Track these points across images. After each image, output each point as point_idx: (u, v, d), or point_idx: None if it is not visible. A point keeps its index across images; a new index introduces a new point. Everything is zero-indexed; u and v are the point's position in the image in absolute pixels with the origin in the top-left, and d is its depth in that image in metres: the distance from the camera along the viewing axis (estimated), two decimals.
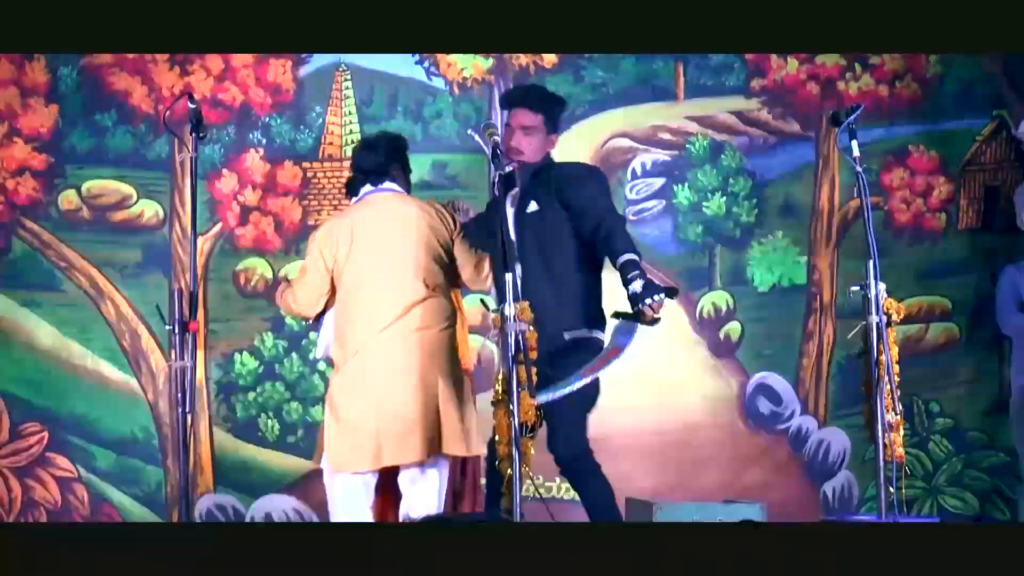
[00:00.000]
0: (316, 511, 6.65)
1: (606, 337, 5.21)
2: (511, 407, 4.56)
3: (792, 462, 6.82)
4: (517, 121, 5.38)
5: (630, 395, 6.75)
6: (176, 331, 4.85)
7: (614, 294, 5.20)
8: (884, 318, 4.84)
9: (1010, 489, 6.82)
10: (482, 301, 4.87)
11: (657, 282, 4.99)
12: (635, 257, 5.04)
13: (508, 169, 4.97)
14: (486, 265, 5.37)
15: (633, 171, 6.84)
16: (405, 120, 6.72)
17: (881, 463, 4.81)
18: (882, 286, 4.90)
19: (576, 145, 6.78)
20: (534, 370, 4.63)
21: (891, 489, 4.81)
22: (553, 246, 5.26)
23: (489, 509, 5.14)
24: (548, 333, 5.00)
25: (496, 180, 4.90)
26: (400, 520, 5.28)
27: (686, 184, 6.85)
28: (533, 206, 5.26)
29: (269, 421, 6.70)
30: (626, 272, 5.01)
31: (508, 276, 4.66)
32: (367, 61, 6.73)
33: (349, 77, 6.76)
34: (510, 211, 5.21)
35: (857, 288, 4.92)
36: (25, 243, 6.65)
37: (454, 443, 5.21)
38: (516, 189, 5.13)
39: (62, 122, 6.65)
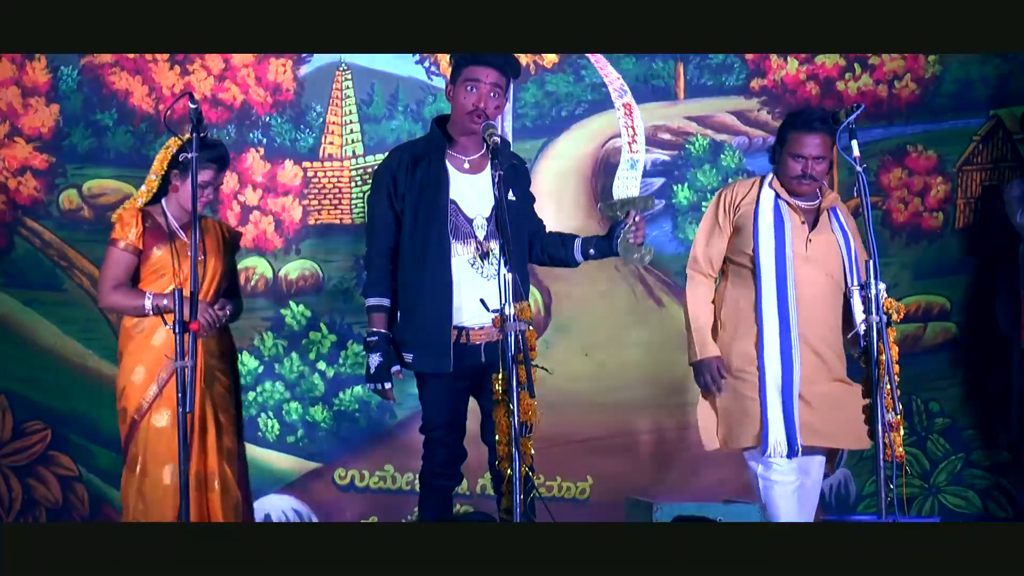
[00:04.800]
0: (316, 511, 6.66)
1: None
2: (511, 407, 4.58)
3: None
4: (489, 78, 5.25)
5: (630, 395, 6.77)
6: (177, 331, 4.87)
7: None
8: (884, 318, 4.85)
9: (1013, 487, 6.84)
10: (481, 301, 4.87)
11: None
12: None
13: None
14: None
15: None
16: (406, 119, 6.73)
17: (881, 462, 4.81)
18: (882, 286, 4.91)
19: (576, 145, 6.80)
20: (534, 370, 4.65)
21: (891, 486, 4.81)
22: (518, 239, 5.26)
23: None
24: None
25: (497, 179, 4.88)
26: None
27: (686, 184, 6.86)
28: (511, 195, 5.20)
29: (269, 421, 6.70)
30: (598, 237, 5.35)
31: (508, 275, 4.67)
32: (367, 61, 6.74)
33: (349, 77, 6.77)
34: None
35: (857, 287, 4.92)
36: (26, 242, 6.66)
37: None
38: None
39: (63, 122, 6.66)
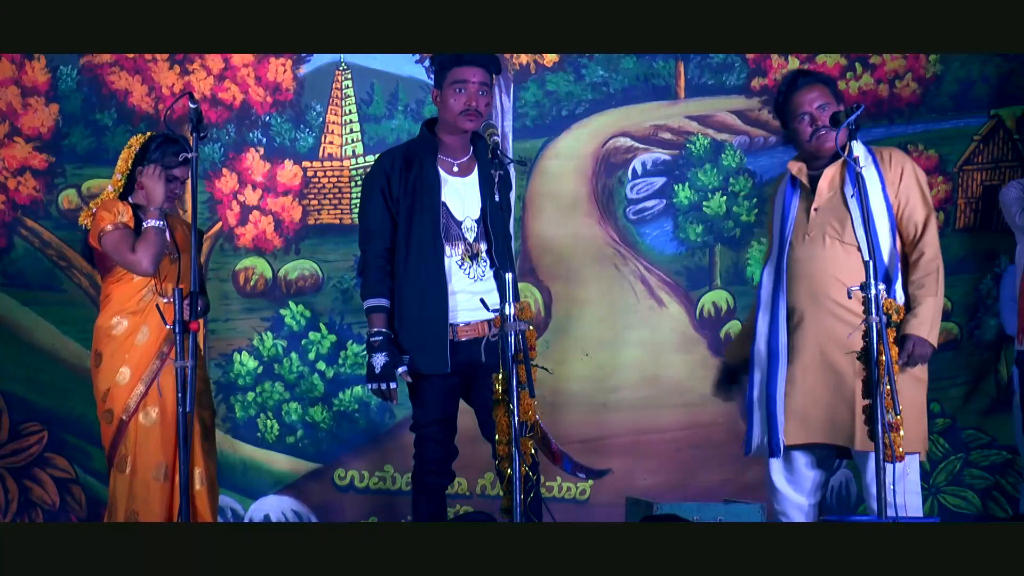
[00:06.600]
0: (315, 512, 6.65)
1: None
2: (511, 407, 4.58)
3: None
4: (476, 77, 5.27)
5: (630, 395, 6.77)
6: (177, 331, 4.86)
7: None
8: (884, 318, 4.84)
9: (1012, 487, 6.83)
10: (482, 300, 4.88)
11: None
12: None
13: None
14: None
15: (634, 170, 6.85)
16: (405, 119, 6.73)
17: (881, 463, 4.80)
18: (882, 286, 4.90)
19: (576, 144, 6.80)
20: (534, 370, 4.65)
21: (892, 487, 4.81)
22: (506, 240, 5.33)
23: None
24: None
25: (497, 179, 4.92)
26: None
27: (686, 183, 6.86)
28: (497, 195, 5.22)
29: (268, 421, 6.70)
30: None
31: (508, 276, 4.68)
32: (367, 60, 6.74)
33: (349, 76, 6.77)
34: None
35: (857, 288, 4.91)
36: (26, 242, 6.66)
37: None
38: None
39: (62, 121, 6.66)
